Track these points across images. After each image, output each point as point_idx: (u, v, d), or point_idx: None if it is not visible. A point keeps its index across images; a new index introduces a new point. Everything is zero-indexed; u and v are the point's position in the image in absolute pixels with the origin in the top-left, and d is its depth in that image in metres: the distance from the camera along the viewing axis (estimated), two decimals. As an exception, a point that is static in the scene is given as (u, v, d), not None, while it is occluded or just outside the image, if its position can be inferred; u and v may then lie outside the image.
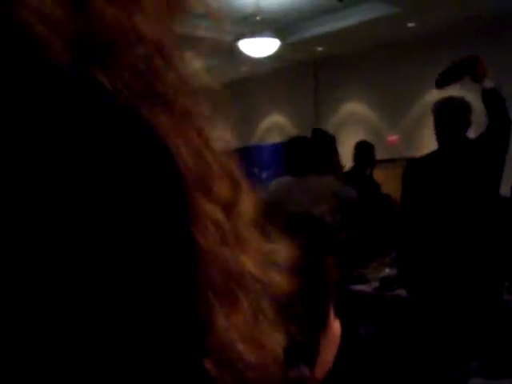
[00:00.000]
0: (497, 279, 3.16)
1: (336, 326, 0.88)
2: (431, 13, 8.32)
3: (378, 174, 10.77)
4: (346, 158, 11.50)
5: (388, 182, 10.36)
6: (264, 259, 0.59)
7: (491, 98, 3.40)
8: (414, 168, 3.55)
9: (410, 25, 9.04)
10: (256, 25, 8.72)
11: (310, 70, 11.26)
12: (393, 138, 10.16)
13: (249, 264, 0.56)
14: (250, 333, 0.55)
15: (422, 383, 2.81)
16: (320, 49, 10.24)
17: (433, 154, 3.51)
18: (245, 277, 0.55)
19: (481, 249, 3.15)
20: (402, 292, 3.78)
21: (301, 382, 0.79)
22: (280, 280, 0.59)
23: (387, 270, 4.04)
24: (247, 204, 0.57)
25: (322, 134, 4.42)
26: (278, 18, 9.11)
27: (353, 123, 10.87)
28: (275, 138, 12.26)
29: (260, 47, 8.81)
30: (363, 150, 5.45)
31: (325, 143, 4.24)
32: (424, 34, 9.15)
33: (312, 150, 4.05)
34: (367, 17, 8.79)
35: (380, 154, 10.44)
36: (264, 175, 12.68)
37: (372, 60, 10.22)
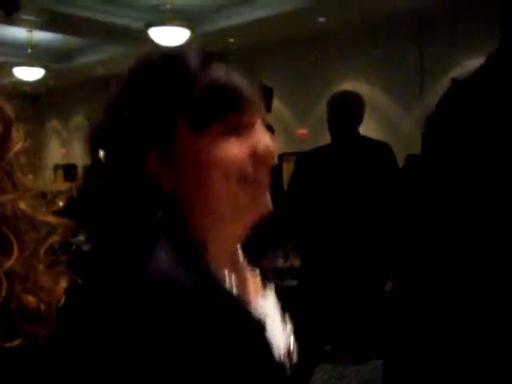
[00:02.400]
0: (381, 271, 3.23)
1: None
2: (341, 8, 8.44)
3: (287, 167, 10.89)
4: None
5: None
6: (38, 200, 0.60)
7: None
8: (304, 161, 3.59)
9: (321, 19, 9.14)
10: (166, 14, 8.63)
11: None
12: (302, 131, 10.27)
13: (23, 206, 0.56)
14: (30, 279, 0.56)
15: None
16: (231, 40, 10.22)
17: (324, 147, 3.56)
18: (18, 220, 0.55)
19: (367, 242, 3.21)
20: (293, 282, 3.82)
21: None
22: (54, 221, 0.60)
23: (281, 261, 4.07)
24: (17, 142, 0.57)
25: None
26: (189, 8, 9.04)
27: (263, 116, 10.93)
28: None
29: (170, 36, 8.71)
30: None
31: None
32: (334, 29, 9.27)
33: None
34: (279, 10, 8.84)
35: (289, 148, 10.57)
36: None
37: (283, 53, 10.29)
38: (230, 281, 0.85)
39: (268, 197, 0.88)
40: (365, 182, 3.30)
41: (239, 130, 0.83)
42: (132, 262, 0.77)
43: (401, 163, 3.81)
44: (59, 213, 0.63)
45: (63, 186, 13.18)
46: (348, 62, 9.49)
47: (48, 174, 15.94)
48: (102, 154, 0.85)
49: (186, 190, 0.83)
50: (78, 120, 15.21)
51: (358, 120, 3.49)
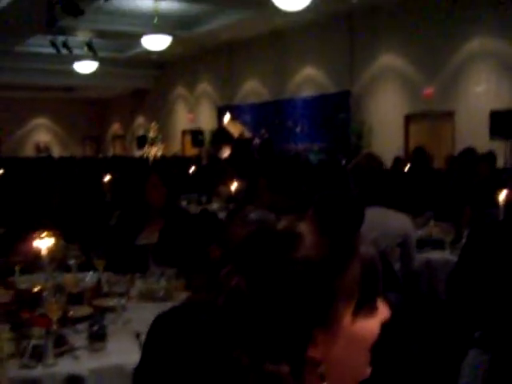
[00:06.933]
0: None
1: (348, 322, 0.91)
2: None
3: (413, 128, 10.70)
4: (383, 110, 11.27)
5: (421, 134, 10.28)
6: None
7: None
8: None
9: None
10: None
11: (344, 21, 11.09)
12: (428, 91, 10.01)
13: None
14: None
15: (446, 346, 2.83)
16: (354, 0, 10.07)
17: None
18: None
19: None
20: (432, 255, 3.84)
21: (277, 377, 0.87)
22: None
23: (419, 232, 4.02)
24: None
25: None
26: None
27: (388, 76, 10.72)
28: (309, 91, 12.19)
29: (291, 1, 8.67)
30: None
31: None
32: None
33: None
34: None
35: (415, 107, 10.35)
36: (298, 129, 12.67)
37: (408, 11, 10.01)
38: None
39: None
40: None
41: (375, 308, 0.95)
42: None
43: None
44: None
45: (192, 151, 13.61)
46: (477, 20, 9.04)
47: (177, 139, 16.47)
48: None
49: (329, 361, 0.92)
50: (204, 86, 15.55)
51: None
